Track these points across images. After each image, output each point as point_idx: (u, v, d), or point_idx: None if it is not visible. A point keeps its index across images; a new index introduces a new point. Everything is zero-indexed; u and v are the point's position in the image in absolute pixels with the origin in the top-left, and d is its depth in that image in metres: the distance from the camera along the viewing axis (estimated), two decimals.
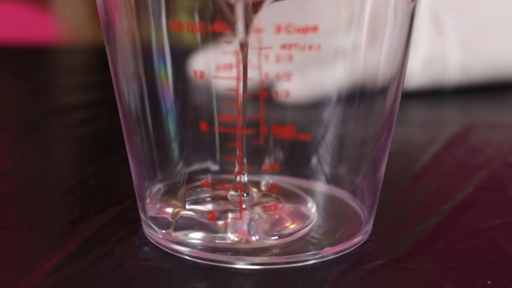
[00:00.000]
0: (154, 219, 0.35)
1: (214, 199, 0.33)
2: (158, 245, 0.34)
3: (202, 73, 0.33)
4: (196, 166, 0.36)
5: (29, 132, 0.50)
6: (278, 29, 0.31)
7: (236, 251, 0.33)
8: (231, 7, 0.32)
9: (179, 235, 0.34)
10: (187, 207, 0.34)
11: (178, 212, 0.34)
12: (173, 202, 0.34)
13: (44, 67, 0.70)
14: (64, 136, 0.50)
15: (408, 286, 0.32)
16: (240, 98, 0.32)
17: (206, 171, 0.35)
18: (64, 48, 0.83)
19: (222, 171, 0.34)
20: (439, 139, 0.48)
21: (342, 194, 0.35)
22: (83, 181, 0.41)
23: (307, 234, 0.33)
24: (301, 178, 0.35)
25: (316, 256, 0.33)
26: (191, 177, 0.35)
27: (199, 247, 0.33)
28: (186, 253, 0.33)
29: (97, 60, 0.70)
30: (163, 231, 0.34)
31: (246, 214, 0.33)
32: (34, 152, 0.46)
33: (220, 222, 0.33)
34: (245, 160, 0.34)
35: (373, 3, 0.32)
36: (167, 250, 0.34)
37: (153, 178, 0.34)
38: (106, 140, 0.49)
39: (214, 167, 0.35)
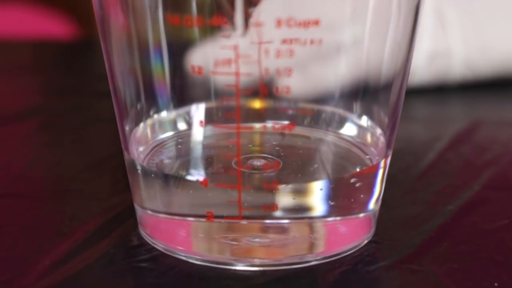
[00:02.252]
0: (151, 218, 0.34)
1: (213, 198, 0.33)
2: (155, 246, 0.34)
3: (200, 69, 0.33)
4: (194, 164, 0.35)
5: (23, 127, 0.50)
6: (279, 23, 0.31)
7: (234, 252, 0.33)
8: (230, 0, 0.31)
9: (176, 234, 0.33)
10: (184, 206, 0.34)
11: (175, 212, 0.34)
12: (171, 200, 0.34)
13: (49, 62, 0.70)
14: (59, 130, 0.50)
15: None
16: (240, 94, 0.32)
17: (204, 169, 0.35)
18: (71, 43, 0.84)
19: (221, 168, 0.34)
20: (444, 136, 0.48)
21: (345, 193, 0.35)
22: (78, 179, 0.41)
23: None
24: (302, 177, 0.35)
25: (317, 257, 0.33)
26: (189, 175, 0.35)
27: (197, 248, 0.33)
28: (184, 254, 0.33)
29: None
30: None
31: (245, 213, 0.33)
32: (27, 148, 0.46)
33: (219, 222, 0.33)
34: (244, 157, 0.34)
35: None
36: (164, 251, 0.34)
37: (149, 176, 0.34)
38: (103, 136, 0.49)
39: (213, 165, 0.35)
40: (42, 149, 0.46)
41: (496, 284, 0.32)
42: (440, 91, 0.57)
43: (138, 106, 0.35)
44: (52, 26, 0.98)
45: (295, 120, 0.36)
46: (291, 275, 0.32)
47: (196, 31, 0.33)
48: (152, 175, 0.34)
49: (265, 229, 0.33)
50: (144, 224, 0.35)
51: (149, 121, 0.35)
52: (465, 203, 0.39)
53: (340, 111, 0.35)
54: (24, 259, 0.33)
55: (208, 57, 0.33)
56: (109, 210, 0.37)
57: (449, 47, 0.56)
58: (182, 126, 0.36)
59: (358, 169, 0.35)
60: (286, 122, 0.36)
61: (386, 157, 0.35)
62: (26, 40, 0.75)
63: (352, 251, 0.34)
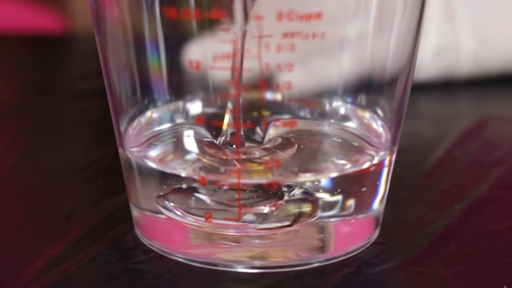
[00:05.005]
0: (147, 219, 0.34)
1: (211, 197, 0.33)
2: (151, 247, 0.34)
3: (198, 64, 0.33)
4: (191, 161, 0.35)
5: (14, 124, 0.50)
6: (280, 16, 0.31)
7: (234, 253, 0.33)
8: None
9: (174, 235, 0.34)
10: (182, 206, 0.34)
11: (172, 212, 0.34)
12: (168, 199, 0.34)
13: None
14: (51, 128, 0.50)
15: None
16: (239, 90, 0.32)
17: (202, 167, 0.35)
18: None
19: (219, 168, 0.34)
20: (451, 134, 0.48)
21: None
22: (71, 178, 0.41)
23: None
24: (303, 175, 0.35)
25: (320, 259, 0.33)
26: (186, 174, 0.35)
27: (194, 250, 0.33)
28: (181, 256, 0.33)
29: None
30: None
31: (245, 214, 0.33)
32: (18, 146, 0.46)
33: (217, 222, 0.33)
34: (244, 156, 0.34)
35: None
36: (160, 252, 0.34)
37: (145, 174, 0.34)
38: (97, 134, 0.49)
39: (211, 164, 0.35)
40: (33, 148, 0.46)
41: (505, 286, 0.32)
42: (448, 87, 0.57)
43: (134, 102, 0.35)
44: (36, 19, 0.97)
45: (297, 116, 0.36)
46: (293, 278, 0.32)
47: (194, 24, 0.33)
48: (148, 173, 0.34)
49: (266, 230, 0.33)
50: (140, 225, 0.35)
51: (145, 118, 0.35)
52: (472, 203, 0.39)
53: (343, 107, 0.35)
54: (16, 260, 0.33)
55: (206, 51, 0.33)
56: (104, 210, 0.37)
57: (457, 41, 0.56)
58: (179, 122, 0.36)
59: (362, 167, 0.35)
60: (287, 119, 0.36)
61: (391, 154, 0.35)
62: (8, 34, 0.74)
63: (355, 253, 0.34)
